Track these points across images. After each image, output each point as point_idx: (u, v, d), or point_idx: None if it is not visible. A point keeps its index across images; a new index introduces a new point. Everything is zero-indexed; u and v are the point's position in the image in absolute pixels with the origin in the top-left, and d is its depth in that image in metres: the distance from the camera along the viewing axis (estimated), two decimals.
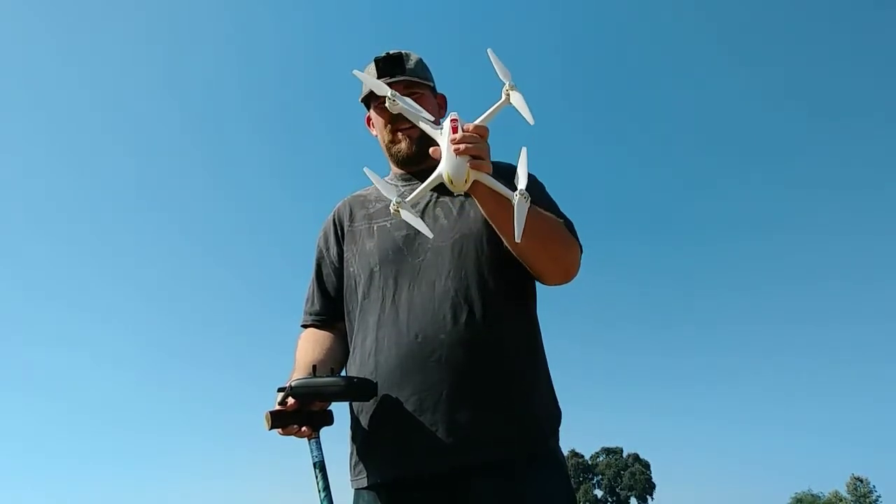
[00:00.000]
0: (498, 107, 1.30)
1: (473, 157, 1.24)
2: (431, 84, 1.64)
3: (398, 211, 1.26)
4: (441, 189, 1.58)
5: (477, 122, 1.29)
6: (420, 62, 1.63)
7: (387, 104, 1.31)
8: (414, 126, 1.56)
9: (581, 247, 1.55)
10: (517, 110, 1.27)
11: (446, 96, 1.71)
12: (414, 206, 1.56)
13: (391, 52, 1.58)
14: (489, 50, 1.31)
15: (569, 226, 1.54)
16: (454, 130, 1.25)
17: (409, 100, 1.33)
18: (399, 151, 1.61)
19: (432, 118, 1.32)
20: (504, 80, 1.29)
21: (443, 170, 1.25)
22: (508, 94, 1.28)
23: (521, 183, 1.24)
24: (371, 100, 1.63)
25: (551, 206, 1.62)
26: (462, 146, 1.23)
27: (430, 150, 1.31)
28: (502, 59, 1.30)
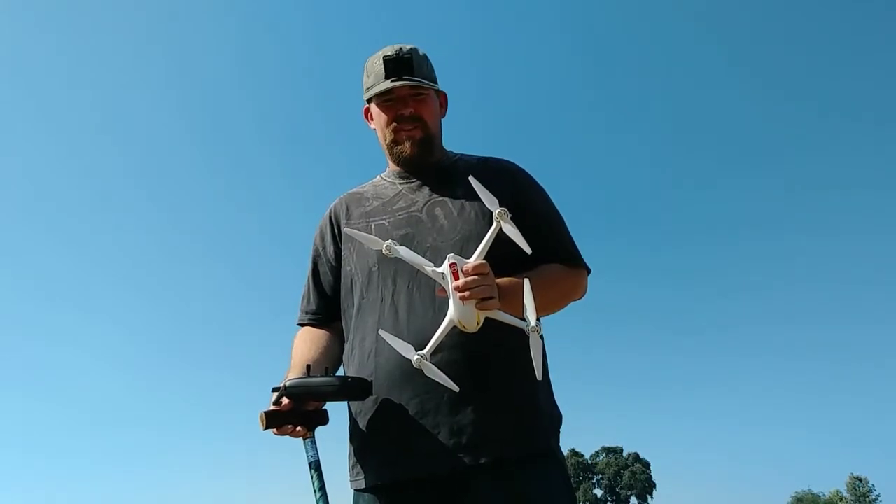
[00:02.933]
0: (492, 234, 1.35)
1: (481, 299, 1.29)
2: (436, 85, 1.62)
3: (420, 367, 1.30)
4: (440, 187, 1.59)
5: (474, 259, 1.33)
6: (426, 61, 1.61)
7: (384, 251, 1.37)
8: (417, 128, 1.57)
9: (588, 269, 1.61)
10: (512, 238, 1.34)
11: (447, 94, 1.69)
12: (411, 208, 1.58)
13: (398, 52, 1.55)
14: (471, 177, 1.38)
15: (573, 259, 1.58)
16: (455, 276, 1.30)
17: (403, 249, 1.37)
18: (402, 153, 1.60)
19: (432, 265, 1.35)
20: (492, 209, 1.35)
21: (453, 317, 1.30)
22: (501, 223, 1.34)
23: (532, 318, 1.28)
24: (376, 95, 1.60)
25: (557, 219, 1.63)
26: (467, 293, 1.28)
27: (437, 290, 1.36)
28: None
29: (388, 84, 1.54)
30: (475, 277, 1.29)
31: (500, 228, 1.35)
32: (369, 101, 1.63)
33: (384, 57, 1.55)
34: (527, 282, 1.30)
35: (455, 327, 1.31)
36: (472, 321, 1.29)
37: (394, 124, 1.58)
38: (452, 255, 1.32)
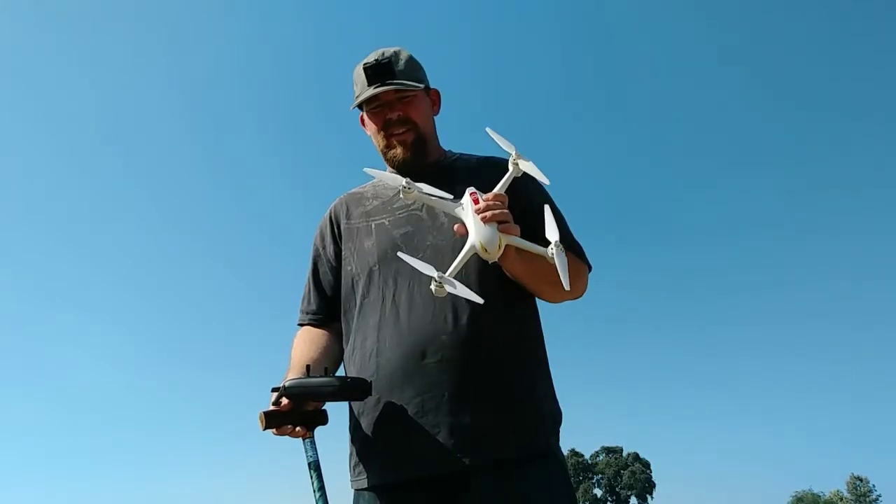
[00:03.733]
0: (509, 176, 1.37)
1: (500, 222, 1.27)
2: (424, 84, 1.62)
3: (441, 287, 1.22)
4: (440, 186, 1.58)
5: (497, 188, 1.34)
6: (410, 61, 1.61)
7: (402, 194, 1.32)
8: (408, 131, 1.58)
9: (590, 266, 1.60)
10: (531, 174, 1.36)
11: (440, 91, 1.69)
12: (411, 206, 1.57)
13: (379, 57, 1.56)
14: (488, 129, 1.41)
15: (578, 251, 1.58)
16: (475, 202, 1.29)
17: (422, 185, 1.32)
18: (395, 157, 1.60)
19: (451, 196, 1.33)
20: (510, 152, 1.37)
21: (474, 240, 1.25)
22: (517, 164, 1.36)
23: (553, 235, 1.29)
24: (364, 103, 1.61)
25: (558, 217, 1.61)
26: (489, 214, 1.26)
27: (455, 227, 1.32)
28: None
29: (370, 91, 1.55)
30: (497, 202, 1.29)
31: (518, 173, 1.37)
32: (360, 106, 1.64)
33: (364, 65, 1.56)
34: (547, 207, 1.34)
35: (476, 254, 1.26)
36: (494, 243, 1.25)
37: (384, 131, 1.59)
38: (472, 187, 1.33)
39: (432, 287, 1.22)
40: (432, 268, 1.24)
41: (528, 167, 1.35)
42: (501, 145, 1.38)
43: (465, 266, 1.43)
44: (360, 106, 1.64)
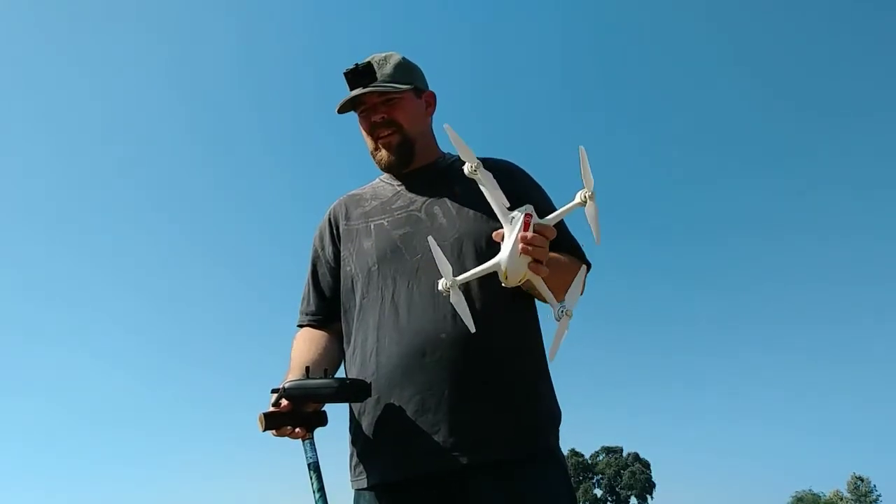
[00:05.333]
0: (571, 207, 1.31)
1: (534, 260, 1.27)
2: (412, 86, 1.60)
3: (447, 287, 1.29)
4: (439, 188, 1.59)
5: (549, 219, 1.32)
6: (399, 65, 1.59)
7: (466, 173, 1.34)
8: (394, 133, 1.58)
9: (589, 264, 1.59)
10: (588, 221, 1.31)
11: (435, 93, 1.68)
12: (410, 207, 1.58)
13: (359, 62, 1.56)
14: (581, 147, 1.28)
15: (577, 251, 1.57)
16: (526, 227, 1.27)
17: (489, 175, 1.33)
18: (381, 160, 1.61)
19: (507, 203, 1.33)
20: (586, 187, 1.29)
21: (502, 261, 1.27)
22: (585, 202, 1.29)
23: (571, 303, 1.28)
24: (355, 107, 1.61)
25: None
26: (530, 248, 1.26)
27: (494, 233, 1.33)
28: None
29: (347, 96, 1.56)
30: (543, 238, 1.29)
31: (582, 206, 1.31)
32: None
33: (344, 71, 1.56)
34: (583, 268, 1.33)
35: (495, 272, 1.29)
36: (517, 276, 1.27)
37: (370, 134, 1.60)
38: (530, 206, 1.32)
39: (439, 283, 1.25)
40: (451, 268, 1.28)
41: (591, 213, 1.29)
42: (584, 174, 1.29)
43: (466, 264, 1.43)
44: (340, 112, 1.65)
